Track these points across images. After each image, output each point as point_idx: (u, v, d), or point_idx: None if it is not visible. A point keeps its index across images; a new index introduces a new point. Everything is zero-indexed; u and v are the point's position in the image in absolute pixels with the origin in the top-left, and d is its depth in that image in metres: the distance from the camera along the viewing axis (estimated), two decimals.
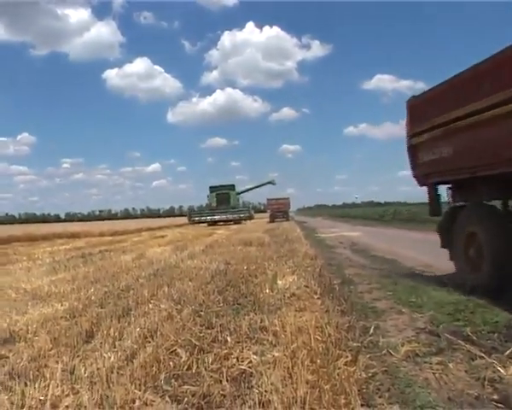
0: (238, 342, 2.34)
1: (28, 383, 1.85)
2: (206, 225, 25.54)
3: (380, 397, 1.75)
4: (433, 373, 1.91)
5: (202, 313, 2.91)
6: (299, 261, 5.39)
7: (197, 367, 2.01)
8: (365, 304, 3.28)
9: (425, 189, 4.32)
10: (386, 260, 6.01)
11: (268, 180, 34.19)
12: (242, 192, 32.66)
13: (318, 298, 3.28)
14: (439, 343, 2.26)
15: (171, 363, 2.07)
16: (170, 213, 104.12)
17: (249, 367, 1.98)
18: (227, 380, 1.86)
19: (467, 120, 3.28)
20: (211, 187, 29.05)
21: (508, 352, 2.05)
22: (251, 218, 28.08)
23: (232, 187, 29.20)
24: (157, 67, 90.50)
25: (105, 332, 2.53)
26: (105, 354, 2.17)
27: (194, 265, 5.43)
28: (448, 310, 2.83)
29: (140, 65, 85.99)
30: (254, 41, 75.97)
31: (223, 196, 27.88)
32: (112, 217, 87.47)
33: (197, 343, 2.31)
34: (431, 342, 2.30)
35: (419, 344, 2.26)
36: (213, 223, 25.24)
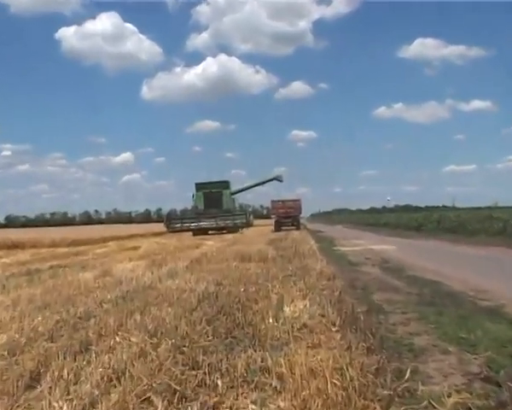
0: (232, 388, 2.34)
1: None
2: (191, 233, 25.75)
3: None
4: None
5: (185, 349, 2.91)
6: (313, 282, 5.40)
7: None
8: (399, 340, 3.27)
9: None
10: (427, 283, 6.01)
11: (273, 176, 34.60)
12: (239, 191, 32.53)
13: (337, 331, 3.28)
14: (500, 395, 2.21)
15: None
16: (145, 217, 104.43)
17: None
18: None
19: None
20: (198, 184, 29.19)
21: None
22: (250, 225, 28.26)
23: (225, 185, 29.34)
24: (129, 26, 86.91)
25: (56, 374, 2.50)
26: (55, 404, 2.14)
27: (175, 286, 5.43)
28: (510, 350, 2.81)
29: (106, 22, 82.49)
30: None
31: (213, 196, 28.09)
32: (68, 222, 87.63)
33: (178, 389, 2.30)
34: (488, 392, 2.26)
35: (472, 395, 2.22)
36: (201, 231, 25.45)
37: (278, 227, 28.71)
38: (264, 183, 33.49)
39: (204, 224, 26.10)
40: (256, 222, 36.06)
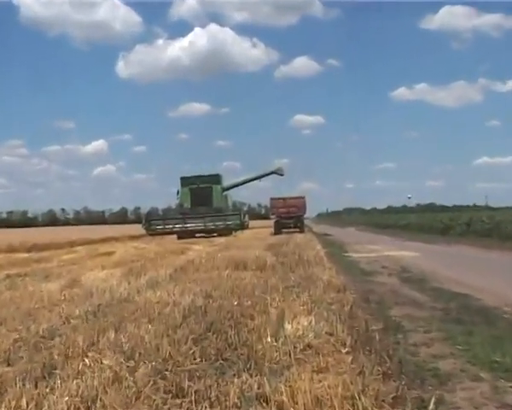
0: None
1: None
2: (175, 237, 25.74)
3: None
4: None
5: (168, 374, 2.92)
6: (320, 295, 5.42)
7: None
8: (421, 363, 3.28)
9: None
10: (454, 296, 6.04)
11: (272, 169, 34.44)
12: (232, 187, 32.40)
13: (348, 352, 3.29)
14: None
15: None
16: (120, 217, 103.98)
17: None
18: None
19: None
20: (183, 178, 29.23)
21: None
22: (245, 227, 28.25)
23: (216, 179, 29.39)
24: None
25: (13, 404, 2.49)
26: None
27: (156, 298, 5.43)
28: None
29: None
30: None
31: (201, 192, 28.06)
32: (29, 223, 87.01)
33: None
34: None
35: None
36: (187, 234, 25.43)
37: (278, 229, 28.79)
38: (262, 177, 33.48)
39: (190, 225, 26.13)
40: (252, 223, 36.05)
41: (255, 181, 33.90)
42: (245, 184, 35.13)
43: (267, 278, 6.90)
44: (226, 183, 31.01)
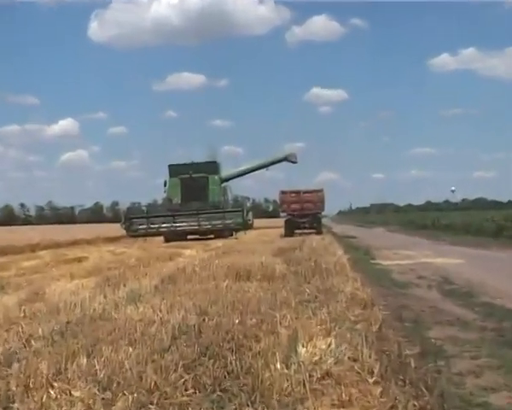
0: None
1: None
2: (162, 239, 25.99)
3: None
4: None
5: (153, 408, 2.96)
6: (341, 311, 5.45)
7: None
8: (468, 397, 3.28)
9: None
10: (509, 314, 6.04)
11: (283, 156, 34.67)
12: (233, 177, 32.67)
13: (376, 382, 3.29)
14: None
15: None
16: (94, 215, 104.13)
17: None
18: None
19: None
20: (172, 167, 29.59)
21: None
22: (249, 226, 28.32)
23: (213, 167, 29.67)
24: None
25: None
26: None
27: (138, 315, 5.46)
28: None
29: None
30: None
31: (195, 183, 28.41)
32: None
33: None
34: None
35: None
36: (177, 236, 25.65)
37: (290, 230, 28.87)
38: (269, 165, 33.51)
39: (181, 225, 26.28)
40: (258, 223, 36.04)
41: (261, 170, 33.95)
42: (249, 174, 35.16)
43: (276, 291, 6.91)
44: (225, 172, 31.05)
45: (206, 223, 26.36)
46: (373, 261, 13.31)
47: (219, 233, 26.50)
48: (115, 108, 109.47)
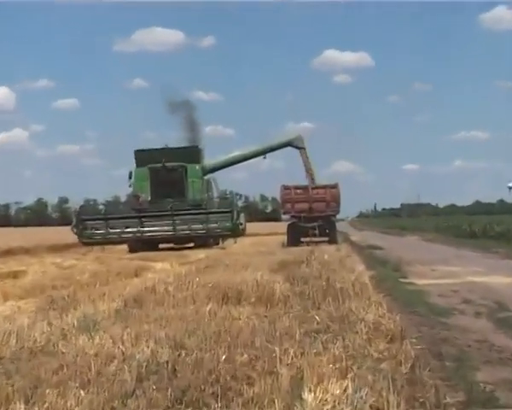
0: None
1: None
2: (126, 248, 26.46)
3: None
4: None
5: None
6: (361, 345, 5.47)
7: None
8: None
9: None
10: None
11: (286, 140, 35.29)
12: (221, 168, 33.60)
13: None
14: None
15: None
16: (36, 215, 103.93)
17: None
18: None
19: None
20: (140, 153, 30.13)
21: None
22: (240, 232, 28.34)
23: (193, 154, 30.13)
24: None
25: None
26: None
27: (94, 348, 5.47)
28: None
29: None
30: None
31: (169, 175, 28.76)
32: None
33: None
34: None
35: None
36: (145, 244, 25.96)
37: (295, 238, 28.93)
38: (268, 151, 33.62)
39: (151, 230, 26.46)
40: (252, 227, 35.96)
41: (258, 158, 34.06)
42: (241, 164, 35.27)
43: (275, 318, 6.92)
44: (210, 160, 31.12)
45: (184, 227, 26.43)
46: (404, 280, 13.30)
47: (201, 241, 26.57)
48: (63, 75, 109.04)
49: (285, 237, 29.94)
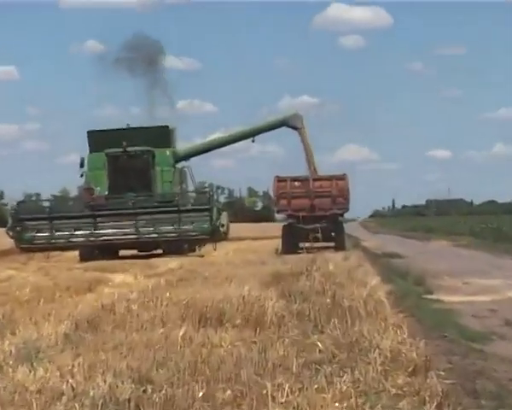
0: None
1: None
2: (76, 255, 26.38)
3: None
4: None
5: None
6: (375, 379, 5.50)
7: None
8: None
9: None
10: None
11: (281, 118, 35.60)
12: (198, 153, 34.26)
13: None
14: None
15: None
16: None
17: None
18: None
19: None
20: (93, 134, 30.44)
21: None
22: (220, 236, 28.49)
23: (162, 136, 30.40)
24: None
25: None
26: None
27: (36, 382, 5.45)
28: None
29: None
30: None
31: (131, 163, 29.00)
32: None
33: None
34: None
35: None
36: (100, 250, 26.22)
37: (292, 243, 28.88)
38: (258, 133, 33.53)
39: (108, 233, 26.61)
40: (238, 229, 35.78)
41: (244, 142, 34.02)
42: (224, 148, 35.21)
43: (267, 345, 6.94)
44: (185, 145, 31.06)
45: (150, 230, 26.55)
46: (429, 297, 13.33)
47: (172, 247, 26.57)
48: None
49: (279, 242, 29.90)
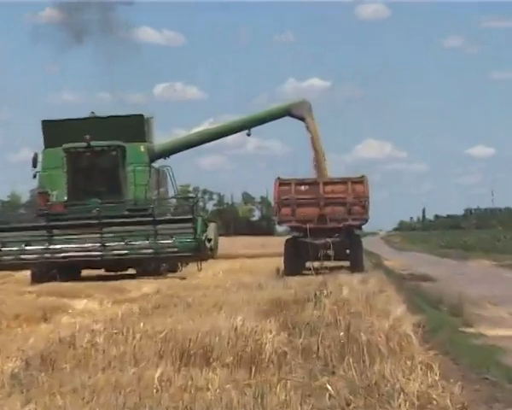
0: None
1: None
2: (28, 275, 26.48)
3: None
4: None
5: None
6: None
7: None
8: None
9: None
10: None
11: (284, 106, 36.06)
12: (179, 149, 34.75)
13: None
14: None
15: None
16: None
17: None
18: None
19: None
20: (49, 125, 30.94)
21: None
22: (206, 253, 28.15)
23: (134, 126, 30.95)
24: None
25: None
26: None
27: None
28: None
29: None
30: None
31: (95, 161, 29.12)
32: None
33: None
34: None
35: None
36: (57, 269, 26.02)
37: (297, 261, 29.23)
38: (255, 125, 33.63)
39: (68, 248, 26.67)
40: (230, 244, 35.73)
41: (238, 135, 34.13)
42: (212, 143, 35.28)
43: (264, 389, 6.95)
44: (162, 138, 31.13)
45: (120, 245, 26.73)
46: (467, 330, 13.36)
47: (147, 266, 26.61)
48: None
49: (281, 261, 29.93)
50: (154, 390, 6.93)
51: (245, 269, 29.53)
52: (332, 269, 26.98)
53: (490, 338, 12.35)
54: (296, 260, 29.05)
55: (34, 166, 29.10)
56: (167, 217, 27.54)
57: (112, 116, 29.93)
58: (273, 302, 14.81)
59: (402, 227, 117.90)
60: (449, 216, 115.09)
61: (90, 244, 26.35)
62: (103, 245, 26.22)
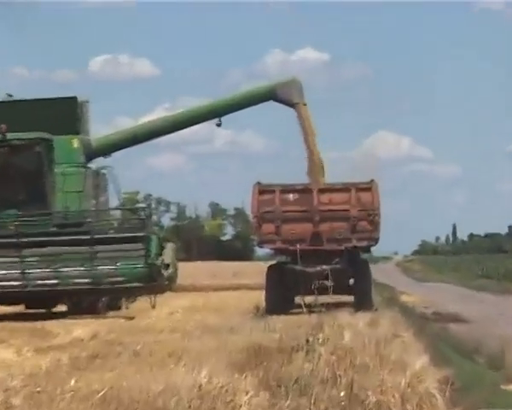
0: None
1: None
2: None
3: None
4: None
5: None
6: None
7: None
8: None
9: None
10: None
11: (267, 86, 36.38)
12: (123, 146, 35.32)
13: None
14: None
15: None
16: None
17: None
18: None
19: None
20: None
21: None
22: (161, 283, 28.17)
23: (64, 113, 31.15)
24: None
25: None
26: None
27: None
28: None
29: None
30: None
31: (11, 159, 29.59)
32: None
33: None
34: None
35: None
36: None
37: (283, 295, 29.42)
38: (228, 112, 33.90)
39: None
40: (192, 271, 35.87)
41: (204, 125, 34.34)
42: (169, 136, 35.53)
43: None
44: (102, 130, 31.26)
45: (46, 272, 26.98)
46: (510, 388, 13.44)
47: (82, 301, 26.75)
48: None
49: (262, 295, 30.03)
50: None
51: (212, 306, 29.75)
52: (330, 306, 27.10)
53: None
54: (282, 293, 29.15)
55: None
56: (109, 235, 27.58)
57: (34, 100, 29.86)
58: (250, 351, 14.84)
59: (424, 250, 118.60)
60: (487, 235, 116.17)
61: (4, 271, 26.34)
62: (23, 273, 26.23)
